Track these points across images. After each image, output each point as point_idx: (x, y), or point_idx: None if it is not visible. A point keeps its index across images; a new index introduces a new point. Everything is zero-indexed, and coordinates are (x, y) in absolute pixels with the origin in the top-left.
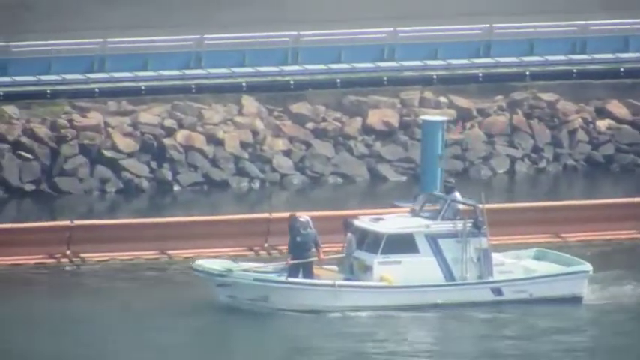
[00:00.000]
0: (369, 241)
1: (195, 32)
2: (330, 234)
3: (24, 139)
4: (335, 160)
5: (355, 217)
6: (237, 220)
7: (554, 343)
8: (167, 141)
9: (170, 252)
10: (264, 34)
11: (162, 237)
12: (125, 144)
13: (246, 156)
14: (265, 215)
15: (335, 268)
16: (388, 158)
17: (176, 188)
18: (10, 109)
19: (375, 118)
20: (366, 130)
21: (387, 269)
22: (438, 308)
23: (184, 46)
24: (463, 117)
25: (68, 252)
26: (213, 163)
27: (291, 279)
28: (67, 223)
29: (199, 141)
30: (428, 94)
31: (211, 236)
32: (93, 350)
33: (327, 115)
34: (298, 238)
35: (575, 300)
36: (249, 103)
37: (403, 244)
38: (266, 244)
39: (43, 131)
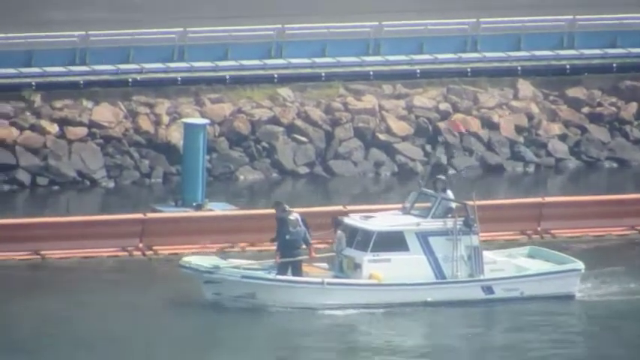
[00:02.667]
0: (359, 239)
1: (470, 15)
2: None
3: (298, 122)
4: (611, 145)
5: (345, 214)
6: None
7: (543, 342)
8: (442, 124)
9: None
10: (540, 17)
11: None
12: (399, 127)
13: (522, 140)
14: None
15: (325, 265)
16: None
17: (451, 172)
18: (285, 92)
19: None
20: None
21: (377, 267)
22: (428, 306)
23: (459, 30)
24: None
25: None
26: (488, 146)
27: (279, 277)
28: (340, 208)
29: (474, 124)
30: None
31: None
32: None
33: (602, 100)
34: (288, 237)
35: (567, 298)
36: (525, 87)
37: (393, 241)
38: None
39: (317, 114)
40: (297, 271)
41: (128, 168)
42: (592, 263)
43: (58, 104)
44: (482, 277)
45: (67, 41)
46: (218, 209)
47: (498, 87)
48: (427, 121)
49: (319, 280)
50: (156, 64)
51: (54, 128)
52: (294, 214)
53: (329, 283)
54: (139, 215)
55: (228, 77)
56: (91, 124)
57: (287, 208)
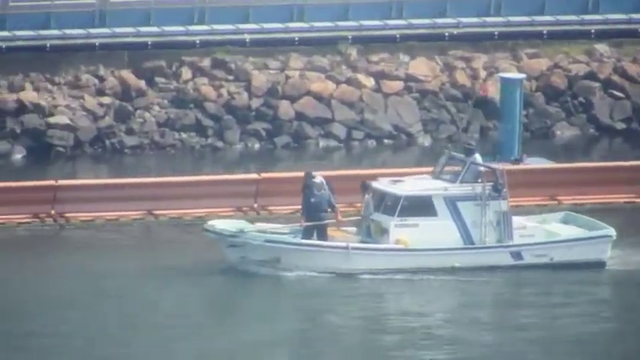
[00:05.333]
0: (387, 204)
1: None
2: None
3: (615, 78)
4: None
5: (374, 178)
6: None
7: (574, 309)
8: None
9: None
10: None
11: None
12: None
13: None
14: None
15: (353, 230)
16: None
17: None
18: (602, 48)
19: None
20: None
21: (404, 232)
22: (455, 273)
23: None
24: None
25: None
26: None
27: (303, 241)
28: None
29: None
30: None
31: None
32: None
33: None
34: (312, 200)
35: (598, 265)
36: None
37: (421, 206)
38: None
39: (634, 70)
40: (322, 234)
41: (444, 122)
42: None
43: (374, 58)
44: (510, 243)
45: None
46: (536, 164)
47: None
48: None
49: (344, 244)
50: (471, 19)
51: (370, 82)
52: (319, 178)
53: (354, 248)
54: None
55: (545, 32)
56: (408, 78)
57: (315, 174)
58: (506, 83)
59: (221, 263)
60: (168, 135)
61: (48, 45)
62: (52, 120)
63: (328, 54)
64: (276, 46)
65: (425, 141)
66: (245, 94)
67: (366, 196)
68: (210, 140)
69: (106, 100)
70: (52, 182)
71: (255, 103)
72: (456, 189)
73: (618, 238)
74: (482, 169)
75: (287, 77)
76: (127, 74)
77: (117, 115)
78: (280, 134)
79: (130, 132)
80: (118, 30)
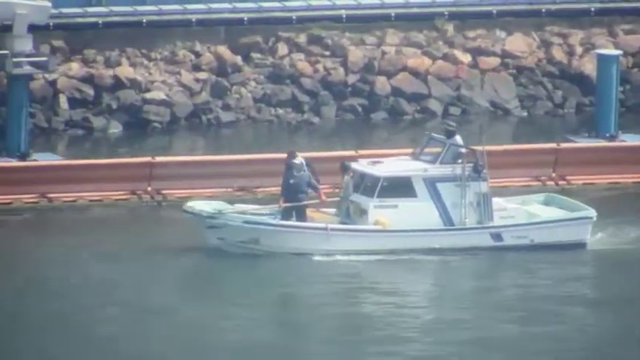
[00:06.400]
0: (366, 185)
1: None
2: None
3: None
4: None
5: (354, 159)
6: None
7: (554, 291)
8: None
9: None
10: None
11: None
12: None
13: None
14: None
15: (333, 211)
16: None
17: None
18: None
19: None
20: None
21: (383, 213)
22: (434, 254)
23: None
24: None
25: None
26: None
27: (282, 222)
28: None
29: None
30: None
31: None
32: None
33: None
34: (291, 181)
35: (579, 246)
36: None
37: (400, 187)
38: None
39: None
40: (300, 215)
41: (541, 98)
42: (606, 211)
43: (471, 34)
44: (490, 224)
45: None
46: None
47: None
48: None
49: (323, 225)
50: None
51: (467, 58)
52: (299, 158)
53: (333, 229)
54: (552, 145)
55: None
56: (504, 54)
57: (297, 155)
58: (602, 59)
59: None
60: (265, 111)
61: (144, 20)
62: (148, 95)
63: (424, 30)
64: (373, 21)
65: (522, 115)
66: (341, 70)
67: (346, 177)
68: (306, 116)
69: (202, 75)
70: (148, 159)
71: (352, 78)
72: (436, 170)
73: None
74: (462, 150)
75: (383, 53)
76: (223, 50)
77: (213, 91)
78: (377, 110)
79: (226, 108)
80: (214, 6)
